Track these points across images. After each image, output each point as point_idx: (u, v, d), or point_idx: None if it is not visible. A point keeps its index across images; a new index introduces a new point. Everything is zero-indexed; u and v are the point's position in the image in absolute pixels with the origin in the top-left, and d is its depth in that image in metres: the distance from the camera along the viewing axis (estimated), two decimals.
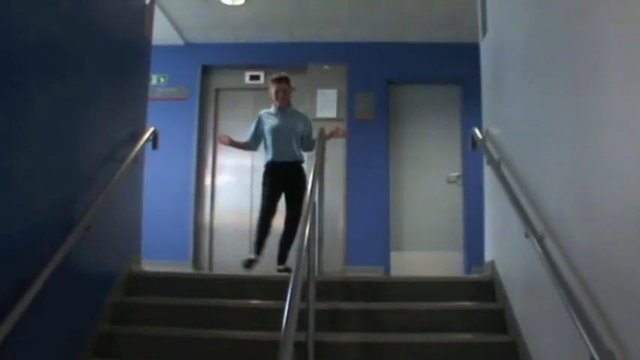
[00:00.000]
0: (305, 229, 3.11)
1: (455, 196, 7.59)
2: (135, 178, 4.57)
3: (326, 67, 7.93)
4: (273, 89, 5.58)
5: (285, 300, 2.41)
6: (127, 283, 4.30)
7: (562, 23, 2.99)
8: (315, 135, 5.53)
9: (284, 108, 5.60)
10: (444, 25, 7.26)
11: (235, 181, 7.98)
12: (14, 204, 2.86)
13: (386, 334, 3.77)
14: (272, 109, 5.66)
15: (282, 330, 2.22)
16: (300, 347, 2.98)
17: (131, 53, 4.63)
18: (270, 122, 5.57)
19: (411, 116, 7.94)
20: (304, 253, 2.91)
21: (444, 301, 4.11)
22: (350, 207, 7.59)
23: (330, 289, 4.11)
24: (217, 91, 8.17)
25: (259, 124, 5.65)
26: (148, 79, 5.10)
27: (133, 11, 4.67)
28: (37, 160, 3.08)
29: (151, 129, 4.72)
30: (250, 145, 5.76)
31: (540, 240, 2.98)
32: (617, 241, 2.32)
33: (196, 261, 7.69)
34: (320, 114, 7.54)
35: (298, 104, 5.96)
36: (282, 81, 5.58)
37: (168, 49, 7.58)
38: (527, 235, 3.09)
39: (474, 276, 5.24)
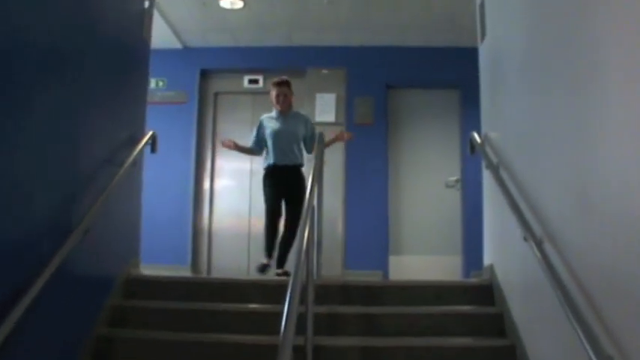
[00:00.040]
0: (304, 233, 3.11)
1: (454, 200, 7.59)
2: (133, 181, 4.57)
3: (325, 72, 7.94)
4: (274, 93, 5.60)
5: (283, 304, 2.41)
6: (125, 287, 4.29)
7: (561, 27, 3.00)
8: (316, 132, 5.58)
9: (285, 112, 5.62)
10: (443, 29, 7.27)
11: (234, 185, 7.98)
12: (12, 207, 2.85)
13: (385, 339, 3.77)
14: (273, 113, 5.68)
15: (281, 334, 2.22)
16: (298, 351, 2.97)
17: (130, 56, 4.63)
18: (271, 126, 5.59)
19: (409, 120, 7.95)
20: (303, 256, 2.91)
21: (442, 305, 4.11)
22: (349, 211, 7.59)
23: (328, 293, 4.11)
24: (216, 94, 8.17)
25: (260, 128, 5.67)
26: (146, 82, 5.10)
27: (132, 14, 4.67)
28: (36, 163, 3.08)
29: (150, 132, 4.72)
30: (254, 150, 5.78)
31: (539, 244, 2.98)
32: (616, 244, 2.32)
33: (195, 265, 7.68)
34: (319, 118, 7.53)
35: (297, 108, 5.97)
36: (282, 85, 5.60)
37: (167, 53, 7.58)
38: (526, 239, 3.09)
39: (473, 280, 5.23)
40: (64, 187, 3.44)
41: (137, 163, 4.46)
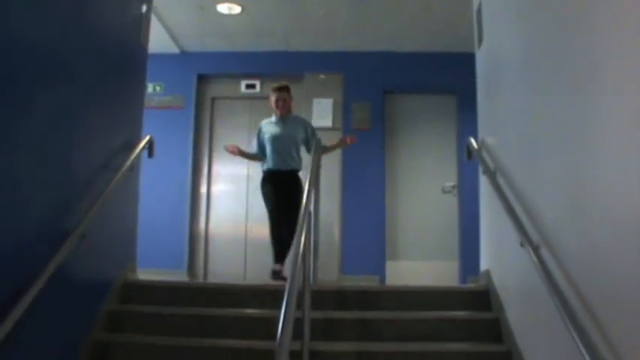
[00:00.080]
0: (300, 238, 3.11)
1: (450, 205, 7.60)
2: (130, 186, 4.56)
3: (322, 77, 7.95)
4: (273, 98, 5.62)
5: (280, 309, 2.41)
6: (122, 292, 4.28)
7: (557, 32, 3.01)
8: (319, 135, 5.61)
9: (284, 116, 5.63)
10: (440, 34, 7.29)
11: (231, 190, 7.97)
12: (8, 211, 2.85)
13: (381, 344, 3.76)
14: (273, 118, 5.70)
15: (278, 339, 2.22)
16: (295, 356, 2.97)
17: (127, 60, 4.63)
18: (270, 130, 5.61)
19: (406, 126, 7.96)
20: (300, 262, 2.91)
21: (439, 310, 4.10)
22: (346, 216, 7.59)
23: (325, 298, 4.11)
24: (213, 99, 8.17)
25: (260, 133, 5.69)
26: (144, 86, 5.10)
27: (130, 18, 4.67)
28: (33, 167, 3.07)
29: (147, 137, 4.71)
30: (259, 156, 5.76)
31: (536, 249, 2.98)
32: (613, 250, 2.32)
33: (191, 269, 7.67)
34: (316, 123, 7.43)
35: (294, 113, 5.96)
36: (282, 90, 5.63)
37: (164, 58, 7.60)
38: (522, 245, 3.10)
39: (470, 285, 5.23)
40: (61, 191, 3.44)
41: (134, 167, 4.45)
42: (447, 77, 7.65)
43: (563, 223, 2.89)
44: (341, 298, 4.30)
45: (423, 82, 7.84)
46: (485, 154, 4.40)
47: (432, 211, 7.66)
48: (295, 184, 5.47)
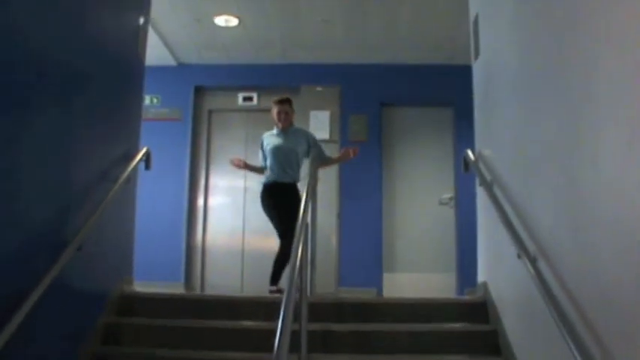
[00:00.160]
0: (297, 250, 3.10)
1: (447, 217, 7.60)
2: (127, 198, 4.56)
3: (319, 89, 7.97)
4: (275, 110, 5.65)
5: (277, 321, 2.40)
6: (118, 304, 4.27)
7: (553, 45, 3.02)
8: (323, 147, 5.65)
9: (286, 129, 5.65)
10: (437, 47, 7.32)
11: (228, 202, 7.97)
12: (5, 222, 2.84)
13: (378, 356, 3.75)
14: (274, 130, 5.71)
15: (275, 351, 2.21)
16: None
17: (125, 72, 4.64)
18: (271, 142, 5.62)
19: (403, 138, 7.97)
20: (297, 274, 2.90)
21: (436, 322, 4.10)
22: (343, 228, 7.59)
23: (322, 310, 4.10)
24: (210, 112, 8.18)
25: (262, 146, 5.70)
26: (141, 98, 5.11)
27: (127, 30, 4.68)
28: (30, 179, 3.07)
29: (144, 149, 4.71)
30: (265, 169, 5.75)
31: (533, 261, 2.99)
32: (609, 262, 2.32)
33: (188, 282, 7.65)
34: None
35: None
36: (284, 103, 5.66)
37: (161, 70, 7.60)
38: (519, 257, 3.10)
39: (467, 297, 5.23)
40: (58, 202, 3.43)
41: (131, 179, 4.45)
42: (443, 89, 7.67)
43: (560, 235, 2.89)
44: (338, 310, 4.29)
45: (419, 94, 7.87)
46: (482, 166, 4.40)
47: (430, 223, 7.66)
48: (294, 196, 5.47)
